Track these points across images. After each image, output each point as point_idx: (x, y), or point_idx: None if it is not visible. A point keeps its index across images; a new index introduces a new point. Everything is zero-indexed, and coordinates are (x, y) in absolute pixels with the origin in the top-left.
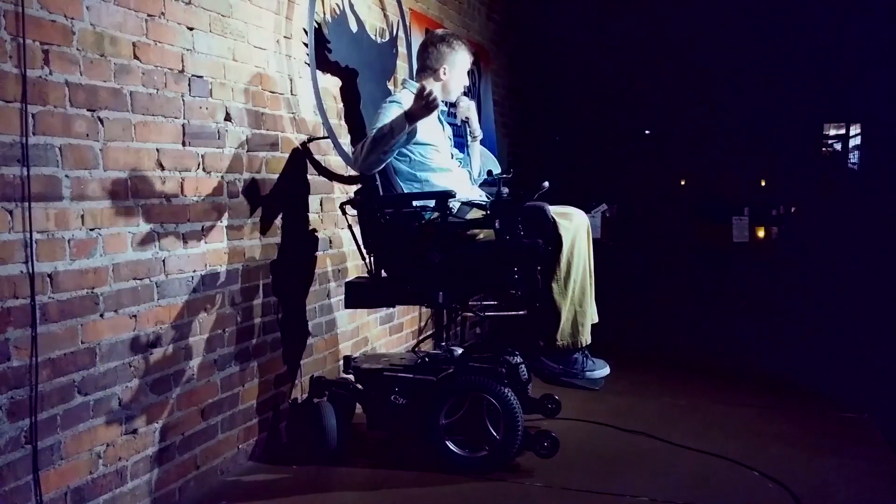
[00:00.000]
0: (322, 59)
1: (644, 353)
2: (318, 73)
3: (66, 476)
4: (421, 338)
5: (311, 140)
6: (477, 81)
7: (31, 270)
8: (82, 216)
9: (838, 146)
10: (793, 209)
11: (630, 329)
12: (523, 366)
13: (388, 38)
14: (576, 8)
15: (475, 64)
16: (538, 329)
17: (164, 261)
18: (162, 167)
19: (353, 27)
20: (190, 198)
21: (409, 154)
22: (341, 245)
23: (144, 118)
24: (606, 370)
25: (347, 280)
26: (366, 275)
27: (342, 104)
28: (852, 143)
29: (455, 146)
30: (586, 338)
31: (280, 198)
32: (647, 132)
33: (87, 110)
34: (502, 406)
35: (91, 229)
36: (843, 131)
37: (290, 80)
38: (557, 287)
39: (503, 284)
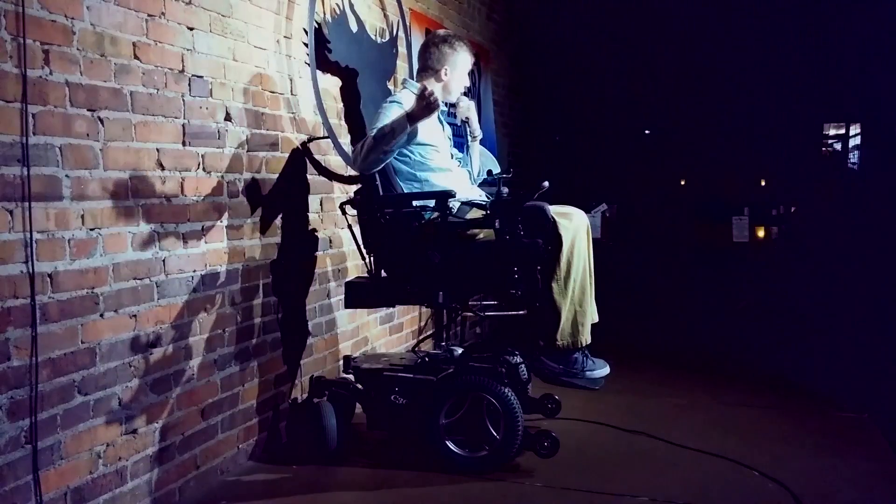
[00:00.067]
0: (322, 59)
1: (644, 353)
2: (318, 72)
3: (65, 476)
4: (421, 338)
5: (311, 140)
6: (477, 81)
7: (31, 270)
8: (82, 216)
9: (838, 146)
10: (793, 209)
11: (630, 329)
12: (523, 365)
13: (388, 38)
14: (576, 8)
15: (475, 64)
16: (538, 329)
17: (164, 260)
18: (162, 167)
19: (354, 27)
20: (190, 198)
21: (409, 154)
22: (341, 245)
23: (144, 118)
24: (606, 370)
25: (347, 280)
26: (366, 275)
27: (342, 104)
28: (852, 142)
29: (455, 146)
30: (586, 337)
31: (280, 198)
32: (647, 132)
33: (88, 110)
34: (502, 406)
35: (91, 229)
36: (842, 131)
37: (291, 79)
38: (557, 287)
39: (503, 284)
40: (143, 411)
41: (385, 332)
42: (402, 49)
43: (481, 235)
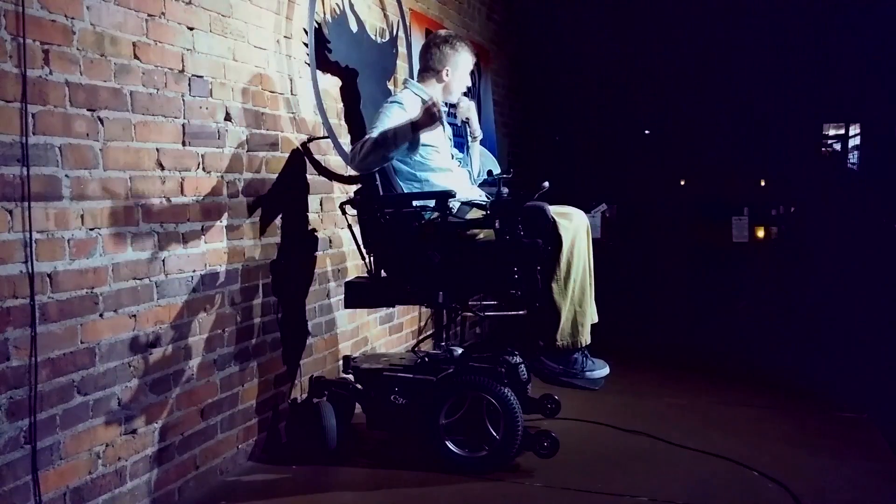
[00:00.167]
0: (322, 59)
1: (644, 354)
2: (318, 72)
3: (65, 476)
4: (421, 338)
5: (311, 140)
6: (477, 81)
7: (30, 270)
8: (82, 216)
9: (838, 146)
10: (792, 209)
11: (630, 329)
12: (523, 366)
13: (388, 38)
14: (576, 8)
15: (475, 64)
16: (538, 329)
17: (163, 260)
18: (162, 167)
19: (354, 27)
20: (190, 197)
21: (409, 155)
22: (341, 245)
23: (144, 118)
24: (606, 370)
25: (347, 280)
26: (365, 275)
27: (342, 104)
28: (852, 143)
29: (455, 146)
30: (586, 338)
31: (280, 197)
32: (647, 132)
33: (87, 110)
34: (502, 406)
35: (91, 229)
36: (842, 131)
37: (290, 79)
38: (557, 287)
39: (503, 284)
40: (143, 411)
41: (385, 332)
42: (402, 49)
43: (481, 235)
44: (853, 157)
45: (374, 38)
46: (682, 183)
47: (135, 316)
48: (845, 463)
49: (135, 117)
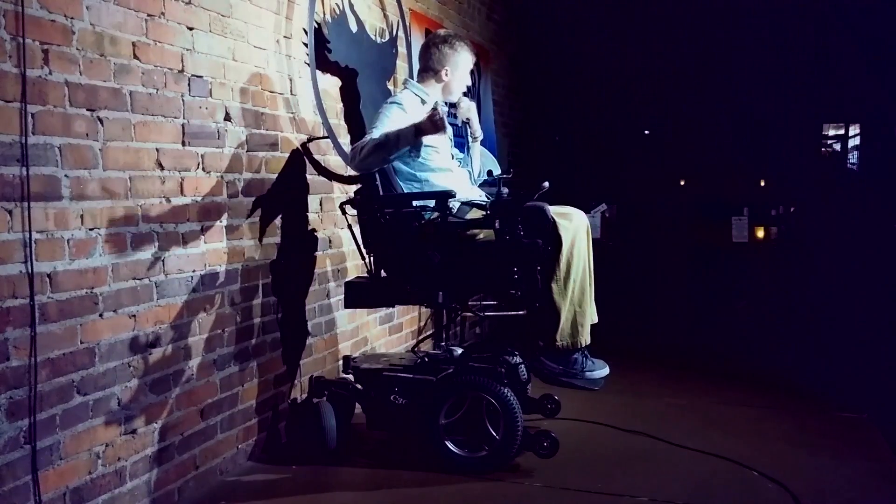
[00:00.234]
0: (322, 59)
1: (644, 353)
2: (318, 72)
3: (65, 476)
4: (420, 338)
5: (310, 140)
6: (477, 81)
7: (30, 270)
8: (82, 216)
9: (837, 146)
10: (792, 209)
11: (630, 329)
12: (523, 366)
13: (387, 38)
14: (576, 8)
15: (475, 64)
16: (538, 329)
17: (163, 260)
18: (161, 167)
19: (353, 27)
20: (189, 197)
21: (412, 158)
22: (341, 245)
23: (144, 118)
24: (606, 370)
25: (347, 280)
26: (365, 275)
27: (342, 104)
28: (851, 143)
29: (455, 146)
30: (586, 338)
31: (280, 198)
32: (646, 132)
33: (87, 110)
34: (502, 406)
35: (90, 229)
36: (842, 132)
37: (290, 79)
38: (557, 287)
39: (503, 284)
40: (143, 411)
41: (385, 332)
42: (401, 49)
43: (481, 236)
44: (853, 158)
45: (373, 38)
46: (682, 183)
47: (134, 316)
48: (845, 463)
49: (134, 117)
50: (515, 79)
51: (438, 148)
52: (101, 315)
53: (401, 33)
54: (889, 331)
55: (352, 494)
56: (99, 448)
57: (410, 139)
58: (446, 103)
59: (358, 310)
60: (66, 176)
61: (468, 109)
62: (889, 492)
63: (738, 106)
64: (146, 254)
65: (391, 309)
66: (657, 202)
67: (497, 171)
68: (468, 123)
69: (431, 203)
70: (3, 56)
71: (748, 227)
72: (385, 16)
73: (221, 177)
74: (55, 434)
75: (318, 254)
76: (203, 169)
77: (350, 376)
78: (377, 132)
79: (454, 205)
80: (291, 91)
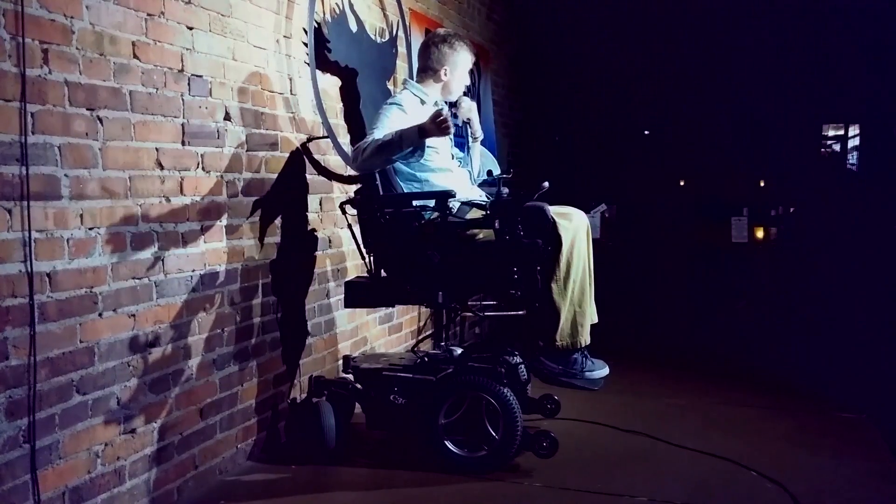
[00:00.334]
0: (322, 58)
1: (643, 353)
2: (318, 72)
3: (64, 475)
4: (420, 337)
5: (310, 139)
6: (477, 81)
7: (29, 269)
8: (81, 215)
9: (837, 147)
10: (792, 209)
11: (629, 330)
12: (522, 366)
13: (387, 37)
14: (576, 8)
15: (475, 64)
16: (537, 329)
17: (163, 260)
18: (161, 166)
19: (353, 27)
20: (189, 197)
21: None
22: (341, 244)
23: (144, 117)
24: (606, 370)
25: (347, 280)
26: (365, 274)
27: (342, 104)
28: (851, 143)
29: (455, 146)
30: (585, 338)
31: (279, 197)
32: (646, 132)
33: (87, 109)
34: (501, 406)
35: (90, 228)
36: (841, 132)
37: (290, 79)
38: (557, 287)
39: (503, 284)
40: (142, 411)
41: (384, 332)
42: (401, 49)
43: (481, 235)
44: (852, 158)
45: (373, 37)
46: (682, 183)
47: (134, 315)
48: (844, 463)
49: (134, 117)
50: (515, 79)
51: (439, 148)
52: (100, 314)
53: (401, 33)
54: (889, 331)
55: (351, 494)
56: (98, 447)
57: (414, 140)
58: (446, 103)
59: (357, 309)
60: (65, 175)
61: (469, 109)
62: (888, 492)
63: (738, 106)
64: (146, 253)
65: (391, 309)
66: (657, 202)
67: (497, 171)
68: (469, 123)
69: (431, 203)
70: (3, 55)
71: (748, 227)
72: (385, 16)
73: (221, 176)
74: (54, 433)
75: (318, 253)
76: (203, 168)
77: (350, 376)
78: (378, 133)
79: (454, 205)
80: (291, 91)
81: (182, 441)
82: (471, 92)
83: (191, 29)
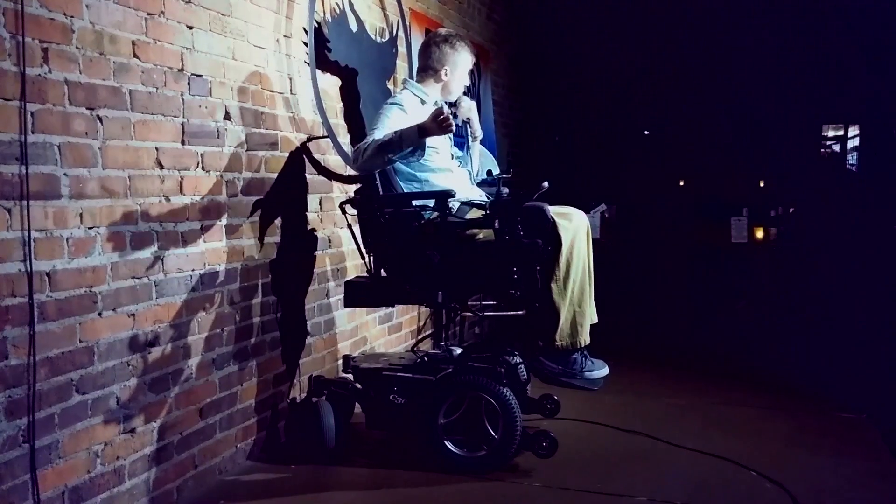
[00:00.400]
0: (322, 58)
1: (643, 353)
2: (318, 72)
3: (63, 475)
4: (420, 337)
5: (310, 139)
6: (477, 81)
7: (29, 269)
8: (81, 215)
9: (837, 147)
10: (791, 210)
11: (629, 330)
12: (522, 366)
13: (387, 37)
14: (576, 8)
15: (475, 64)
16: (537, 329)
17: (162, 260)
18: (161, 166)
19: (353, 27)
20: (189, 197)
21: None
22: (340, 244)
23: (144, 117)
24: (605, 370)
25: (346, 279)
26: (365, 274)
27: (341, 104)
28: (851, 144)
29: (455, 146)
30: (585, 338)
31: (279, 197)
32: (646, 132)
33: (87, 109)
34: (501, 406)
35: (90, 228)
36: (841, 132)
37: (290, 79)
38: (556, 287)
39: (502, 284)
40: (142, 410)
41: (384, 332)
42: (401, 49)
43: (481, 235)
44: (852, 158)
45: (373, 37)
46: (682, 183)
47: (134, 315)
48: (844, 463)
49: (134, 116)
50: (515, 79)
51: (438, 148)
52: (100, 314)
53: (401, 33)
54: (889, 331)
55: (351, 494)
56: (98, 447)
57: (414, 140)
58: (446, 103)
59: (357, 309)
60: (65, 175)
61: (469, 109)
62: (888, 492)
63: (738, 106)
64: (145, 253)
65: (390, 308)
66: (657, 202)
67: (496, 171)
68: (468, 123)
69: (431, 203)
70: (3, 54)
71: (747, 227)
72: (385, 15)
73: (221, 176)
74: (54, 433)
75: (318, 253)
76: (202, 168)
77: (349, 376)
78: (379, 133)
79: (454, 204)
80: (291, 90)
81: (181, 441)
82: (471, 92)
83: (191, 28)
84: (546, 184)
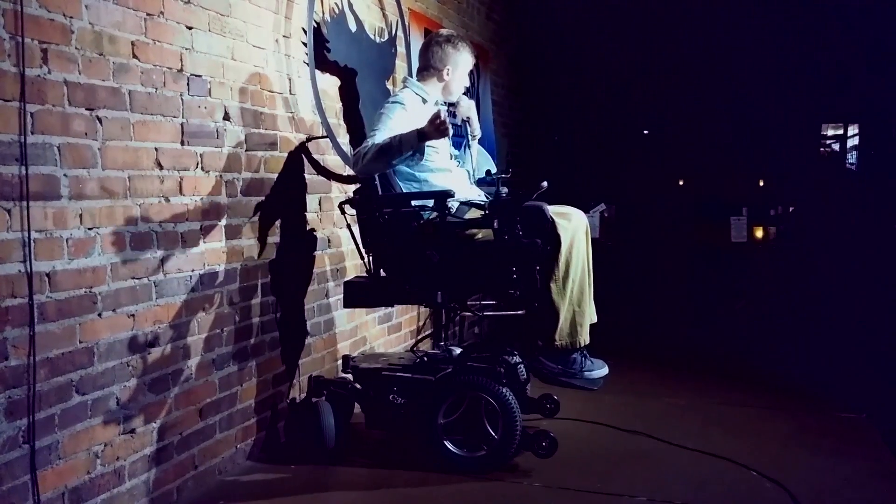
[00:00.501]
0: (321, 58)
1: (643, 353)
2: (317, 72)
3: (63, 476)
4: (419, 337)
5: (309, 139)
6: (476, 81)
7: (29, 269)
8: (80, 215)
9: (836, 146)
10: (791, 209)
11: (629, 329)
12: (522, 366)
13: (387, 37)
14: (576, 8)
15: (474, 64)
16: (536, 329)
17: (162, 260)
18: (160, 166)
19: (353, 27)
20: (188, 197)
21: (415, 162)
22: (340, 244)
23: (143, 117)
24: (605, 370)
25: (346, 279)
26: (364, 274)
27: (341, 104)
28: (850, 143)
29: (454, 145)
30: (585, 338)
31: (279, 197)
32: (645, 132)
33: (86, 109)
34: (501, 406)
35: (89, 228)
36: (841, 132)
37: (289, 79)
38: (556, 287)
39: (502, 284)
40: (141, 411)
41: (383, 332)
42: (400, 49)
43: (480, 235)
44: (851, 158)
45: (372, 37)
46: (681, 183)
47: (133, 315)
48: (844, 463)
49: (133, 116)
50: (515, 79)
51: (438, 148)
52: (99, 314)
53: (400, 33)
54: (889, 331)
55: (351, 494)
56: (98, 448)
57: (413, 143)
58: (445, 103)
59: (357, 309)
60: (65, 175)
61: (469, 108)
62: (888, 492)
63: (738, 106)
64: (145, 253)
65: (390, 308)
66: (656, 202)
67: (494, 171)
68: (468, 122)
69: (430, 203)
70: (2, 55)
71: (747, 227)
72: (384, 15)
73: (220, 176)
74: (54, 433)
75: (317, 253)
76: (202, 168)
77: (349, 376)
78: (379, 134)
79: (453, 204)
80: (290, 90)
81: (181, 441)
82: (470, 92)
83: (190, 28)
84: (545, 183)
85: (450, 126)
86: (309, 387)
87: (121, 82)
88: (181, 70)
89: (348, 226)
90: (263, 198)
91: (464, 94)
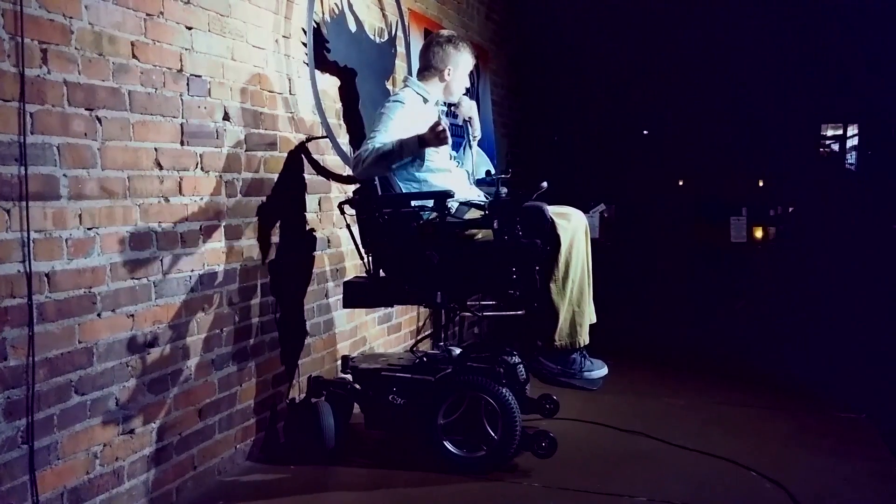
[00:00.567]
0: (321, 58)
1: (642, 354)
2: (317, 72)
3: (62, 476)
4: (419, 337)
5: (309, 139)
6: (476, 82)
7: (28, 270)
8: (80, 215)
9: (836, 147)
10: (790, 209)
11: (628, 329)
12: (521, 366)
13: (386, 37)
14: (576, 8)
15: (474, 65)
16: (536, 329)
17: (161, 260)
18: (160, 166)
19: (352, 27)
20: (188, 197)
21: (415, 167)
22: (339, 245)
23: (143, 117)
24: (605, 370)
25: (346, 280)
26: (364, 274)
27: (341, 104)
28: (850, 143)
29: (454, 146)
30: (584, 338)
31: (278, 197)
32: (645, 132)
33: (86, 109)
34: (500, 406)
35: (89, 228)
36: (840, 132)
37: (289, 79)
38: (556, 287)
39: (501, 284)
40: (141, 411)
41: (383, 332)
42: (400, 49)
43: (480, 235)
44: (851, 158)
45: (372, 37)
46: (681, 183)
47: (133, 316)
48: (844, 463)
49: (133, 117)
50: (514, 79)
51: (438, 148)
52: (99, 315)
53: (400, 33)
54: (888, 331)
55: (350, 494)
56: (97, 448)
57: (413, 149)
58: (445, 103)
59: (356, 309)
60: (64, 175)
61: (470, 108)
62: (888, 492)
63: (737, 106)
64: (144, 253)
65: (390, 309)
66: (656, 202)
67: (493, 171)
68: (469, 122)
69: (430, 203)
70: (2, 55)
71: (747, 227)
72: (384, 15)
73: (220, 176)
74: (53, 434)
75: (317, 253)
76: (202, 168)
77: (348, 376)
78: (380, 135)
79: (453, 205)
80: (290, 91)
81: (181, 441)
82: (470, 92)
83: (190, 29)
84: (545, 184)
85: (449, 135)
86: (308, 387)
87: (120, 82)
88: (181, 70)
89: (348, 226)
90: (263, 198)
91: (464, 94)
